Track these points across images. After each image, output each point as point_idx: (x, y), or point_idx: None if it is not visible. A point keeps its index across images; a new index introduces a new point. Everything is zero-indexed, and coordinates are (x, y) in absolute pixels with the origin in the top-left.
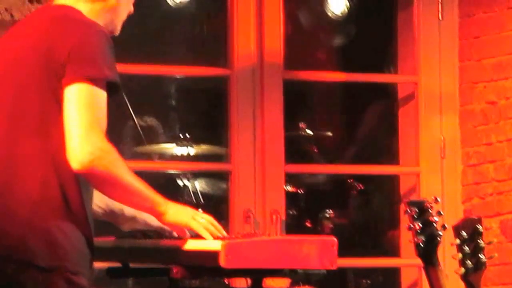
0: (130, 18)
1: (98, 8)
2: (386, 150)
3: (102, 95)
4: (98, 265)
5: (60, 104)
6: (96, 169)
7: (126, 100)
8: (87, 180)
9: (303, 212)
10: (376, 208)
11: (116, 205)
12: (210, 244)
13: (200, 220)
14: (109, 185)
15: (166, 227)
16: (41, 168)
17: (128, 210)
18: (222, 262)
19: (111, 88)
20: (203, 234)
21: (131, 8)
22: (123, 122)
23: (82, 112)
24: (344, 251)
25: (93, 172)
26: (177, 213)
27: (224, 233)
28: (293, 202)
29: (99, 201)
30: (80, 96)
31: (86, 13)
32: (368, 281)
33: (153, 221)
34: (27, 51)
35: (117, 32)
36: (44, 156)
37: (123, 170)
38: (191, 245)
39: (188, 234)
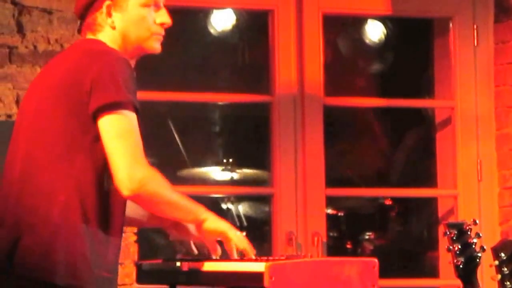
0: (175, 47)
1: (107, 39)
2: (425, 174)
3: (133, 117)
4: (146, 287)
5: (85, 130)
6: (144, 194)
7: (172, 126)
8: (135, 203)
9: (344, 234)
10: (415, 230)
11: None
12: (254, 265)
13: (237, 232)
14: (156, 204)
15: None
16: (64, 192)
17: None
18: (266, 283)
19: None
20: (238, 242)
21: (157, 21)
22: (169, 148)
23: (121, 142)
24: (384, 272)
25: (142, 197)
26: (216, 221)
27: (253, 252)
28: (334, 225)
29: (141, 209)
30: (117, 126)
31: (109, 43)
32: None
33: (194, 230)
34: (58, 82)
35: (150, 51)
36: (68, 181)
37: (167, 190)
38: (236, 266)
39: (219, 250)
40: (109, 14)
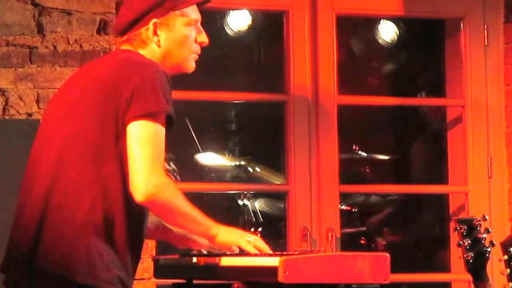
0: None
1: (150, 55)
2: (436, 171)
3: (162, 129)
4: (164, 281)
5: (118, 136)
6: (158, 201)
7: (189, 124)
8: (148, 210)
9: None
10: (427, 226)
11: (166, 223)
12: (268, 260)
13: (248, 239)
14: (168, 213)
15: (215, 248)
16: (91, 193)
17: (177, 229)
18: (280, 278)
19: (168, 122)
20: (252, 251)
21: (198, 41)
22: (186, 146)
23: (145, 148)
24: (397, 266)
25: (156, 203)
26: (227, 235)
27: (269, 251)
28: (349, 221)
29: (150, 219)
30: (143, 132)
31: (147, 56)
32: None
33: (203, 241)
34: (94, 85)
35: (187, 70)
36: (95, 184)
37: (181, 200)
38: (251, 261)
39: (237, 250)
40: (155, 32)
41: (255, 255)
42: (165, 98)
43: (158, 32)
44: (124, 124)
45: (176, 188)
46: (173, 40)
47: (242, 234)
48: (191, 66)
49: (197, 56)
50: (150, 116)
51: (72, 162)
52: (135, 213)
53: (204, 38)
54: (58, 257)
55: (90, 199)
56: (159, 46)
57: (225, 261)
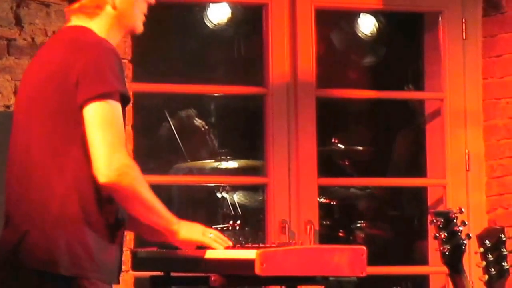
0: (172, 40)
1: (104, 20)
2: (415, 164)
3: (118, 108)
4: (142, 274)
5: (77, 122)
6: (121, 184)
7: (168, 117)
8: (111, 194)
9: (336, 223)
10: (406, 219)
11: None
12: (246, 253)
13: (210, 235)
14: (131, 199)
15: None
16: (62, 185)
17: None
18: (257, 270)
19: (122, 100)
20: (217, 247)
21: (145, 2)
22: (165, 138)
23: (104, 131)
24: (376, 259)
25: (119, 186)
26: (189, 231)
27: (230, 243)
28: (328, 214)
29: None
30: (99, 115)
31: (96, 29)
32: None
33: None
34: (45, 74)
35: (138, 30)
36: (64, 173)
37: (144, 186)
38: (229, 254)
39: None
40: None
41: (233, 247)
42: (113, 76)
43: None
44: (79, 109)
45: (139, 172)
46: (128, 1)
47: (204, 230)
48: (141, 27)
49: (144, 17)
50: (101, 97)
51: (38, 157)
52: (109, 196)
53: None
54: (40, 252)
55: (63, 190)
56: (114, 8)
57: (203, 254)
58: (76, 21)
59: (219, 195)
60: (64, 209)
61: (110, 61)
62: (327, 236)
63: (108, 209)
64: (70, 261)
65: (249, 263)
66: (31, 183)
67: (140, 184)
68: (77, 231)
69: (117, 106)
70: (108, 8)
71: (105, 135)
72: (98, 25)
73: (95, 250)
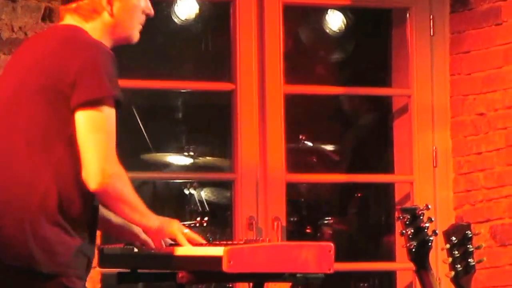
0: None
1: (99, 26)
2: (382, 160)
3: (112, 114)
4: (108, 270)
5: (67, 121)
6: (111, 191)
7: (136, 113)
8: (99, 198)
9: (304, 219)
10: (373, 215)
11: (105, 213)
12: (213, 250)
13: (185, 231)
14: (118, 203)
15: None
16: (43, 180)
17: (116, 219)
18: (225, 267)
19: (116, 104)
20: (185, 243)
21: (145, 12)
22: (133, 135)
23: (97, 135)
24: (343, 256)
25: (108, 193)
26: (166, 227)
27: (202, 241)
28: (295, 210)
29: None
30: (93, 120)
31: (91, 32)
32: (366, 284)
33: (140, 232)
34: (38, 68)
35: (133, 40)
36: (47, 171)
37: (131, 191)
38: (196, 251)
39: (168, 243)
40: (109, 1)
41: (200, 244)
42: (110, 81)
43: (113, 1)
44: (71, 110)
45: (126, 177)
46: (125, 9)
47: (180, 226)
48: (137, 36)
49: (141, 27)
50: (97, 102)
51: (21, 151)
52: (89, 195)
53: (150, 10)
54: (19, 249)
55: (43, 186)
56: (111, 15)
57: (170, 251)
58: (70, 21)
59: (186, 191)
60: (45, 206)
61: (107, 64)
62: (294, 232)
63: (88, 209)
64: (49, 258)
65: (217, 260)
66: (12, 177)
67: (128, 190)
68: (55, 228)
69: (111, 111)
70: (105, 15)
71: (97, 141)
72: (92, 29)
73: (74, 248)
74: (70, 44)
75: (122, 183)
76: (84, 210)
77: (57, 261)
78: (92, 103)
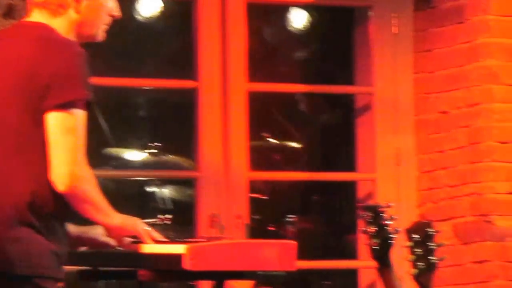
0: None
1: (65, 22)
2: (345, 158)
3: (83, 116)
4: (70, 268)
5: (38, 123)
6: (78, 193)
7: (98, 111)
8: (67, 199)
9: (268, 217)
10: (336, 213)
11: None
12: (174, 248)
13: (145, 228)
14: (85, 204)
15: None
16: (19, 184)
17: (73, 230)
18: (186, 265)
19: (88, 106)
20: (147, 240)
21: (111, 13)
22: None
23: (67, 137)
24: (307, 254)
25: (77, 194)
26: (128, 224)
27: (164, 239)
28: (259, 208)
29: None
30: (65, 122)
31: (58, 28)
32: (328, 283)
33: (98, 236)
34: (9, 71)
35: (98, 39)
36: (22, 173)
37: (97, 192)
38: (157, 248)
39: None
40: None
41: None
42: (83, 83)
43: None
44: (43, 111)
45: (94, 178)
46: (92, 8)
47: (141, 224)
48: (102, 35)
49: (107, 27)
50: (70, 104)
51: (1, 154)
52: (62, 196)
53: (118, 12)
54: None
55: (18, 188)
56: (78, 12)
57: (132, 249)
58: (38, 16)
59: (149, 189)
60: (17, 208)
61: (81, 65)
62: (257, 230)
63: (62, 210)
64: (23, 260)
65: (178, 258)
66: None
67: (94, 192)
68: (29, 230)
69: (83, 114)
70: (71, 11)
71: (68, 144)
72: (60, 25)
73: (48, 249)
74: (43, 44)
75: (90, 185)
76: (58, 210)
77: (31, 263)
78: (65, 106)
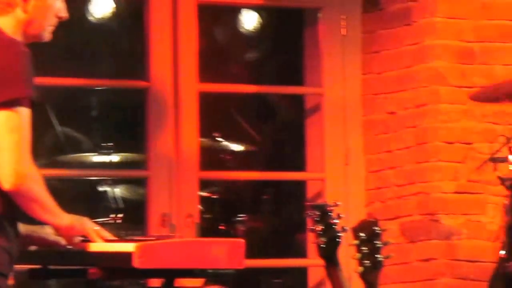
0: (53, 33)
1: (12, 21)
2: (295, 158)
3: (27, 114)
4: (20, 267)
5: None
6: (24, 191)
7: (50, 111)
8: (13, 198)
9: (218, 217)
10: (286, 212)
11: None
12: (124, 246)
13: (94, 227)
14: (31, 203)
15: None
16: None
17: (22, 229)
18: (135, 263)
19: (32, 104)
20: (96, 239)
21: (58, 14)
22: (47, 132)
23: (12, 136)
24: (257, 252)
25: (22, 193)
26: (77, 224)
27: (112, 237)
28: (210, 207)
29: None
30: (8, 120)
31: (3, 27)
32: (279, 281)
33: (48, 235)
34: None
35: (44, 39)
36: None
37: (44, 191)
38: (106, 247)
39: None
40: None
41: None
42: (27, 81)
43: None
44: None
45: (40, 177)
46: (40, 8)
47: (91, 224)
48: (49, 36)
49: (54, 28)
50: (13, 103)
51: None
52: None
53: (65, 13)
54: None
55: None
56: (25, 12)
57: (81, 247)
58: None
59: (100, 188)
60: None
61: (24, 63)
62: (208, 229)
63: (11, 207)
64: None
65: (127, 256)
66: None
67: (41, 191)
68: None
69: (27, 112)
70: (19, 10)
71: (12, 142)
72: (6, 24)
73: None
74: None
75: (36, 184)
76: (6, 208)
77: None
78: (8, 104)
